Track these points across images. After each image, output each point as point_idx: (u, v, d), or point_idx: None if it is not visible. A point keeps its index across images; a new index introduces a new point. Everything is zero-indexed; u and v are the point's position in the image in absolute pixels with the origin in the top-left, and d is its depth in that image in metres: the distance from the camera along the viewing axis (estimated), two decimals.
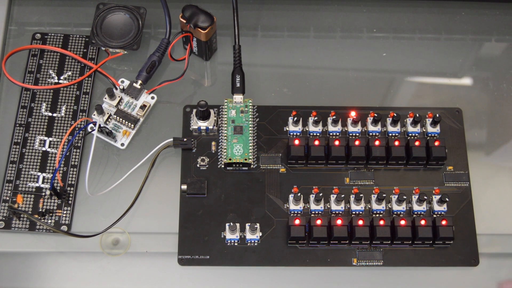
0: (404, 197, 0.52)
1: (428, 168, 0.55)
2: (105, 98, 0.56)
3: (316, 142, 0.53)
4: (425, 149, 0.54)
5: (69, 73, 0.58)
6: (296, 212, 0.52)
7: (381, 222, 0.51)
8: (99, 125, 0.53)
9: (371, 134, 0.55)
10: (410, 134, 0.55)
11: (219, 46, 0.59)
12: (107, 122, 0.55)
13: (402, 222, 0.51)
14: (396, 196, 0.52)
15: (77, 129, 0.55)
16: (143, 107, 0.56)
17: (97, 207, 0.53)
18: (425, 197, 0.52)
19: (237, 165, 0.53)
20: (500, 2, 0.63)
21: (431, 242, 0.52)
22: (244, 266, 0.51)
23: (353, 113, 0.55)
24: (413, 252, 0.52)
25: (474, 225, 0.53)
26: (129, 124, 0.55)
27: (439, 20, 0.62)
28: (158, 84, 0.56)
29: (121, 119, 0.55)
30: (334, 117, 0.55)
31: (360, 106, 0.56)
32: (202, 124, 0.54)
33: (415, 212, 0.53)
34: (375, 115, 0.54)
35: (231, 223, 0.51)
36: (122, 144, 0.55)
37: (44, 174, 0.54)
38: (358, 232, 0.51)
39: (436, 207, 0.53)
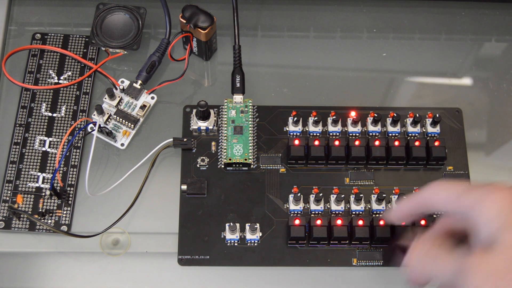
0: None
1: (428, 168, 0.55)
2: (105, 98, 0.56)
3: (316, 142, 0.53)
4: (425, 149, 0.54)
5: (69, 73, 0.58)
6: (296, 212, 0.52)
7: (381, 222, 0.51)
8: (99, 125, 0.53)
9: (371, 134, 0.55)
10: (410, 134, 0.55)
11: (219, 46, 0.59)
12: (107, 122, 0.55)
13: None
14: (396, 196, 0.52)
15: (77, 129, 0.55)
16: (143, 107, 0.56)
17: (97, 207, 0.53)
18: None
19: (237, 165, 0.53)
20: (500, 2, 0.63)
21: None
22: (244, 266, 0.51)
23: (353, 113, 0.55)
24: None
25: None
26: (129, 124, 0.55)
27: (439, 20, 0.62)
28: (158, 84, 0.56)
29: (121, 119, 0.55)
30: (334, 117, 0.55)
31: (360, 106, 0.56)
32: (202, 124, 0.54)
33: None
34: (375, 115, 0.54)
35: (231, 223, 0.51)
36: (122, 144, 0.55)
37: (44, 174, 0.54)
38: (358, 232, 0.51)
39: None
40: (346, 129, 0.55)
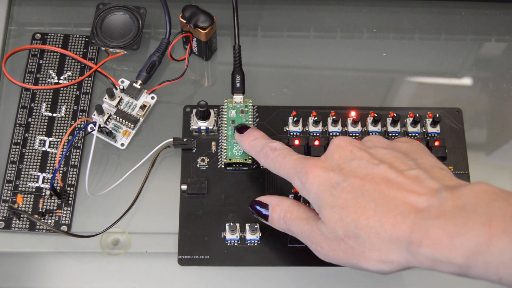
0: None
1: None
2: (105, 98, 0.56)
3: (316, 142, 0.53)
4: None
5: (69, 73, 0.58)
6: None
7: None
8: (99, 125, 0.53)
9: (371, 134, 0.55)
10: (410, 134, 0.55)
11: (219, 46, 0.59)
12: (107, 122, 0.55)
13: None
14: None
15: (77, 129, 0.55)
16: (143, 107, 0.56)
17: (97, 207, 0.53)
18: None
19: (237, 165, 0.53)
20: (500, 2, 0.63)
21: None
22: (244, 266, 0.51)
23: (353, 113, 0.55)
24: None
25: None
26: (129, 124, 0.55)
27: (439, 20, 0.62)
28: (158, 84, 0.56)
29: (121, 119, 0.55)
30: (334, 117, 0.55)
31: (360, 106, 0.56)
32: (202, 124, 0.54)
33: None
34: (375, 115, 0.54)
35: (231, 223, 0.51)
36: (122, 144, 0.55)
37: (44, 174, 0.54)
38: None
39: None
40: (346, 129, 0.55)
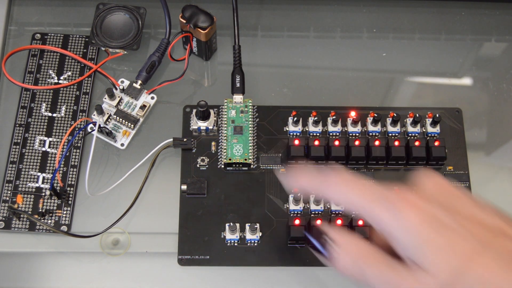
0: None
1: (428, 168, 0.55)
2: (105, 98, 0.56)
3: (316, 142, 0.53)
4: (425, 149, 0.53)
5: (69, 73, 0.58)
6: (296, 212, 0.52)
7: None
8: (99, 125, 0.53)
9: (371, 134, 0.55)
10: (410, 134, 0.55)
11: (219, 46, 0.59)
12: (107, 122, 0.55)
13: None
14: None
15: (77, 129, 0.55)
16: (143, 107, 0.56)
17: (97, 207, 0.53)
18: None
19: (237, 165, 0.53)
20: (500, 2, 0.63)
21: None
22: (244, 266, 0.51)
23: (353, 113, 0.55)
24: None
25: None
26: (129, 124, 0.55)
27: (439, 20, 0.62)
28: (158, 84, 0.56)
29: (121, 119, 0.55)
30: (334, 117, 0.55)
31: (360, 106, 0.56)
32: (202, 124, 0.54)
33: None
34: (375, 115, 0.54)
35: (231, 223, 0.51)
36: (122, 144, 0.55)
37: (44, 174, 0.54)
38: (358, 232, 0.51)
39: None
40: (346, 129, 0.55)
